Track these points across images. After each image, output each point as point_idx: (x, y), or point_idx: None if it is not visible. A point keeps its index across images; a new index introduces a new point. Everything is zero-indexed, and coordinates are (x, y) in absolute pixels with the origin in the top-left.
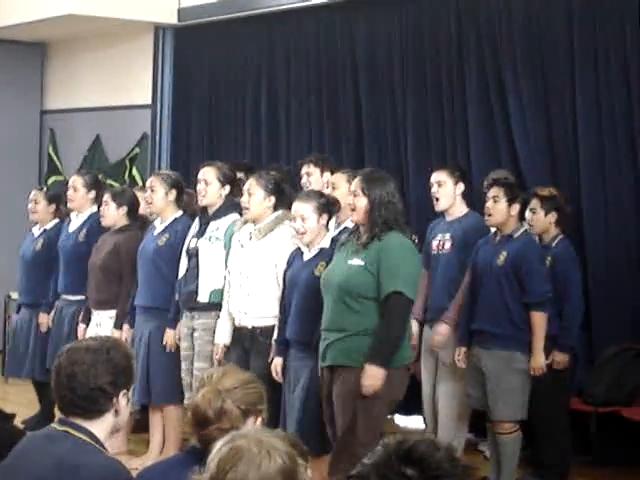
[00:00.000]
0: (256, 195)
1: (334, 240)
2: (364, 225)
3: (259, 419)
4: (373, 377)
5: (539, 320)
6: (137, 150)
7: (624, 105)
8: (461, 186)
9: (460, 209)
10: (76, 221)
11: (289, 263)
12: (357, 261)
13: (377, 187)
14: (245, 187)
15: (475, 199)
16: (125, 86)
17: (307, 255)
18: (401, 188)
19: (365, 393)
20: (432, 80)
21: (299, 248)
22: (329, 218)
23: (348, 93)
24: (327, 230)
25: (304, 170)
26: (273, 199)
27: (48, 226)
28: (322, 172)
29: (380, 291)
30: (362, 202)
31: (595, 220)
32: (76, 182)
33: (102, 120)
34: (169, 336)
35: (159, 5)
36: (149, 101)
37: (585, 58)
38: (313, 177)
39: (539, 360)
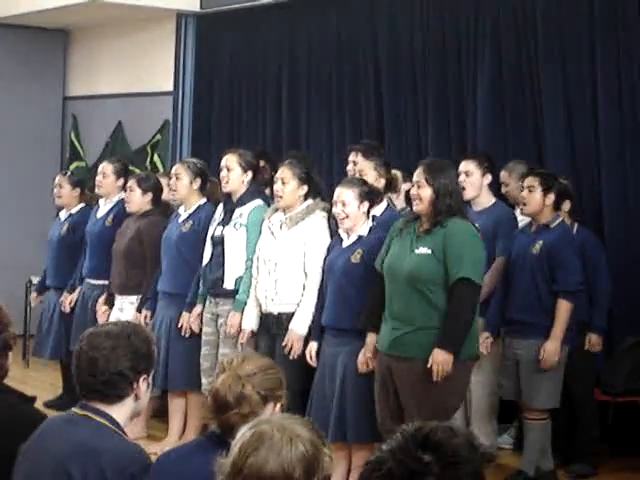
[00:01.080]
0: (290, 184)
1: (371, 229)
2: (426, 215)
3: (278, 405)
4: (442, 361)
5: (565, 308)
6: (159, 137)
7: None
8: (489, 177)
9: (488, 199)
10: (104, 207)
11: (329, 250)
12: (424, 249)
13: (440, 176)
14: (278, 175)
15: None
16: (147, 73)
17: (346, 242)
18: None
19: (435, 377)
20: (453, 69)
21: (339, 235)
22: (370, 207)
23: (369, 81)
24: (367, 218)
25: (352, 157)
26: (306, 187)
27: (74, 210)
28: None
29: (447, 278)
30: (427, 192)
31: (614, 211)
32: (106, 169)
33: (124, 107)
34: (184, 319)
35: None
36: (171, 88)
37: (606, 47)
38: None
39: (555, 346)
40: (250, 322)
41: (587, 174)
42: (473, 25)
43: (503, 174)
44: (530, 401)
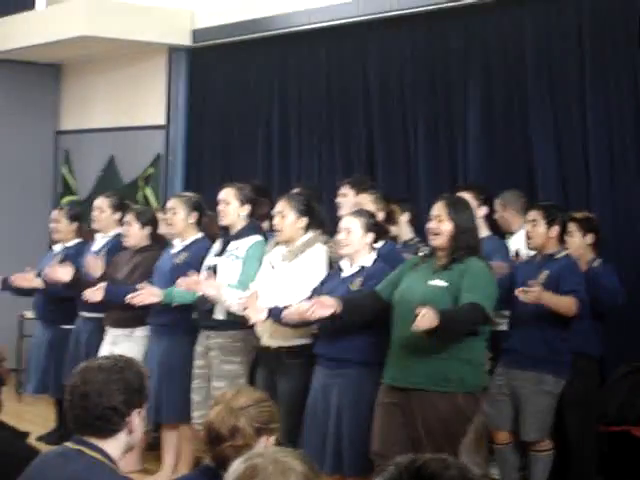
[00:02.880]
0: (288, 217)
1: (375, 261)
2: (444, 250)
3: (272, 438)
4: (428, 317)
5: (570, 299)
6: (151, 170)
7: (634, 124)
8: (484, 209)
9: (481, 231)
10: (100, 241)
11: (323, 282)
12: (439, 282)
13: (461, 212)
14: (276, 209)
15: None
16: (139, 107)
17: (347, 272)
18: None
19: (416, 324)
20: (443, 101)
21: (339, 266)
22: (375, 240)
23: (360, 114)
24: (371, 250)
25: (342, 190)
26: (305, 220)
27: (70, 244)
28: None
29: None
30: (447, 226)
31: (606, 239)
32: (102, 203)
33: (116, 141)
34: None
35: (173, 27)
36: (163, 122)
37: (595, 76)
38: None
39: (540, 294)
40: (232, 297)
41: (578, 205)
42: (463, 60)
43: (498, 202)
44: (526, 434)
